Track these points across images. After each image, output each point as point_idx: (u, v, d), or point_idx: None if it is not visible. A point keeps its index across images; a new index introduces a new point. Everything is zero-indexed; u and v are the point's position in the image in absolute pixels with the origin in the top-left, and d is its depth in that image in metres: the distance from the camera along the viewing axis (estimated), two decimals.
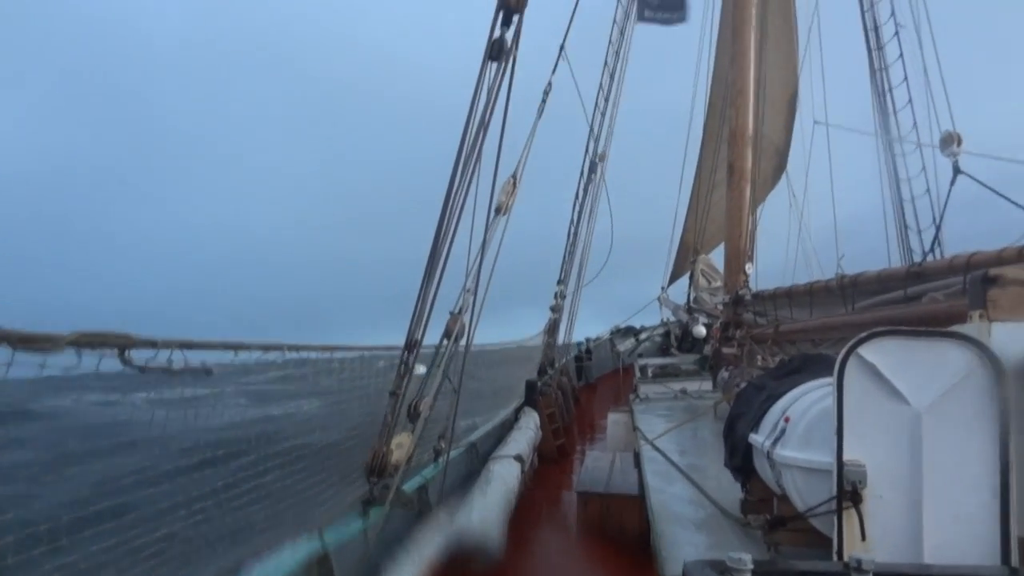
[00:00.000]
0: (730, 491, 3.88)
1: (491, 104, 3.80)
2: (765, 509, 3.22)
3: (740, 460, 3.44)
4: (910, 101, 9.48)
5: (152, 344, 1.87)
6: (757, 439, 3.15)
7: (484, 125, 3.77)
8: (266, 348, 2.60)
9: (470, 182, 3.81)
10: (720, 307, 10.71)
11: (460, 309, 4.37)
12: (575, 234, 11.96)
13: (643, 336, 16.19)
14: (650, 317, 17.89)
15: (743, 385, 5.18)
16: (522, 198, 5.00)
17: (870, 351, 2.43)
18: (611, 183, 12.20)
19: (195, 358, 2.06)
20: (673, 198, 16.96)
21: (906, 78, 9.58)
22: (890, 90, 9.97)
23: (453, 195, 3.78)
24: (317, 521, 3.33)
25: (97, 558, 2.22)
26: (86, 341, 1.63)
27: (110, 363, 1.74)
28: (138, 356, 1.84)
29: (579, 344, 15.88)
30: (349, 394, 3.94)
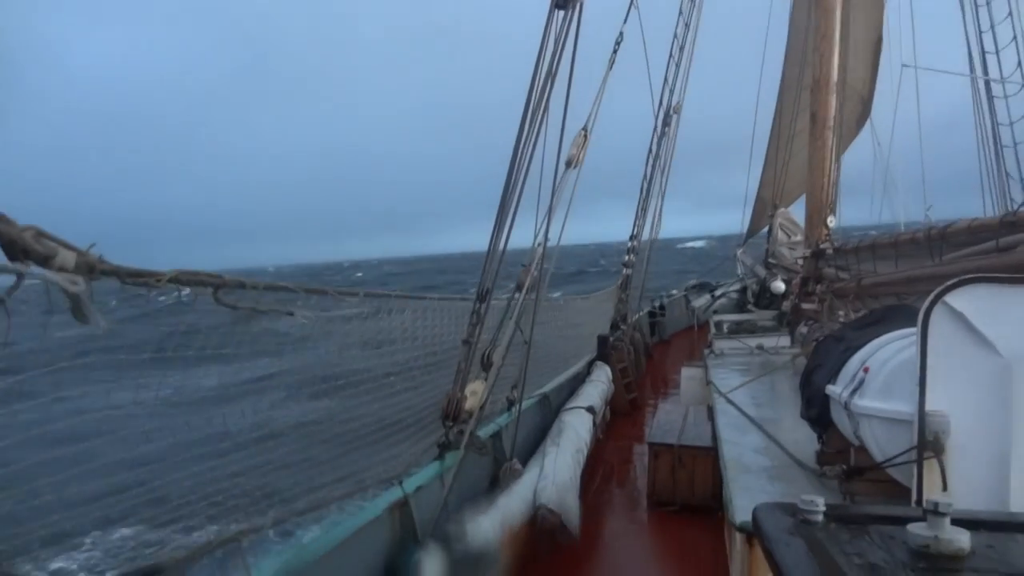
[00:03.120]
0: (806, 443, 3.83)
1: (558, 54, 3.75)
2: (842, 460, 3.18)
3: (817, 411, 3.39)
4: (1015, 38, 8.79)
5: (241, 285, 1.99)
6: (835, 390, 3.10)
7: (552, 75, 3.73)
8: (344, 294, 2.71)
9: (538, 134, 3.79)
10: (800, 262, 10.38)
11: (532, 262, 4.41)
12: (648, 189, 11.79)
13: (719, 292, 15.85)
14: (726, 275, 17.55)
15: (822, 338, 5.06)
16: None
17: (959, 299, 2.34)
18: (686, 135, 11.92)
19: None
20: (743, 151, 16.51)
21: (1010, 12, 8.88)
22: (992, 28, 9.27)
23: (521, 147, 3.78)
24: (396, 462, 3.48)
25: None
26: (185, 279, 1.76)
27: (204, 301, 1.88)
28: (228, 295, 1.97)
29: (652, 300, 15.74)
30: (425, 340, 4.06)
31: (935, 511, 1.79)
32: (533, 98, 3.75)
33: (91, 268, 1.39)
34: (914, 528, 1.38)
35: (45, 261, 1.29)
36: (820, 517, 2.03)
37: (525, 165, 3.81)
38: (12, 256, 1.25)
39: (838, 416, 3.14)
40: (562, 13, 3.78)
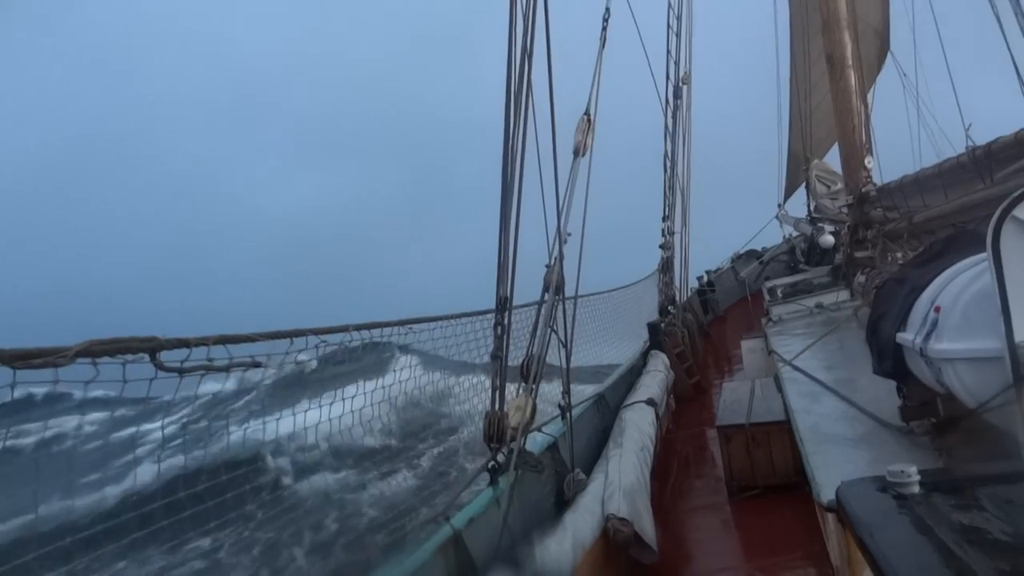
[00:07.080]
0: (885, 401, 3.47)
1: (529, 28, 3.43)
2: (929, 413, 2.83)
3: (890, 363, 3.05)
4: None
5: (184, 343, 1.74)
6: (906, 337, 2.76)
7: (527, 52, 3.43)
8: (325, 331, 2.42)
9: (525, 121, 3.51)
10: (845, 210, 9.90)
11: (554, 259, 4.15)
12: (671, 166, 11.40)
13: (766, 258, 15.26)
14: (770, 239, 16.89)
15: (881, 283, 4.69)
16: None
17: None
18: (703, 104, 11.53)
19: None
20: (770, 109, 15.97)
21: None
22: None
23: (511, 135, 3.50)
24: (441, 498, 3.24)
25: None
26: (99, 350, 1.49)
27: (143, 370, 1.64)
28: (170, 357, 1.73)
29: (699, 278, 15.17)
30: (444, 364, 3.82)
31: None
32: (512, 81, 3.47)
33: None
34: None
35: None
36: (916, 488, 1.72)
37: (518, 156, 3.54)
38: None
39: (915, 365, 2.80)
40: None
